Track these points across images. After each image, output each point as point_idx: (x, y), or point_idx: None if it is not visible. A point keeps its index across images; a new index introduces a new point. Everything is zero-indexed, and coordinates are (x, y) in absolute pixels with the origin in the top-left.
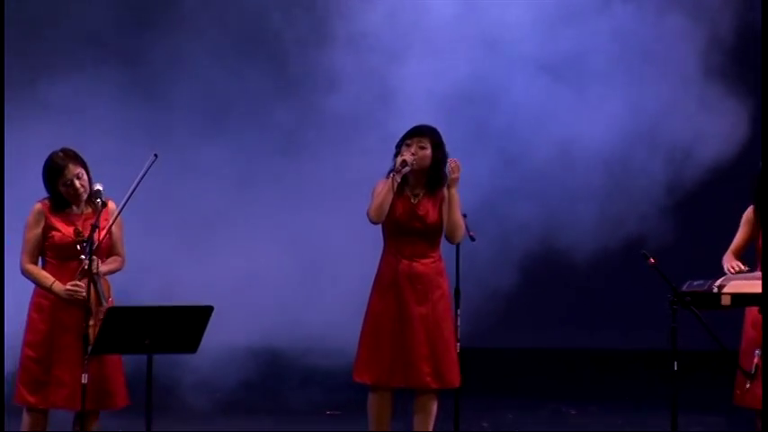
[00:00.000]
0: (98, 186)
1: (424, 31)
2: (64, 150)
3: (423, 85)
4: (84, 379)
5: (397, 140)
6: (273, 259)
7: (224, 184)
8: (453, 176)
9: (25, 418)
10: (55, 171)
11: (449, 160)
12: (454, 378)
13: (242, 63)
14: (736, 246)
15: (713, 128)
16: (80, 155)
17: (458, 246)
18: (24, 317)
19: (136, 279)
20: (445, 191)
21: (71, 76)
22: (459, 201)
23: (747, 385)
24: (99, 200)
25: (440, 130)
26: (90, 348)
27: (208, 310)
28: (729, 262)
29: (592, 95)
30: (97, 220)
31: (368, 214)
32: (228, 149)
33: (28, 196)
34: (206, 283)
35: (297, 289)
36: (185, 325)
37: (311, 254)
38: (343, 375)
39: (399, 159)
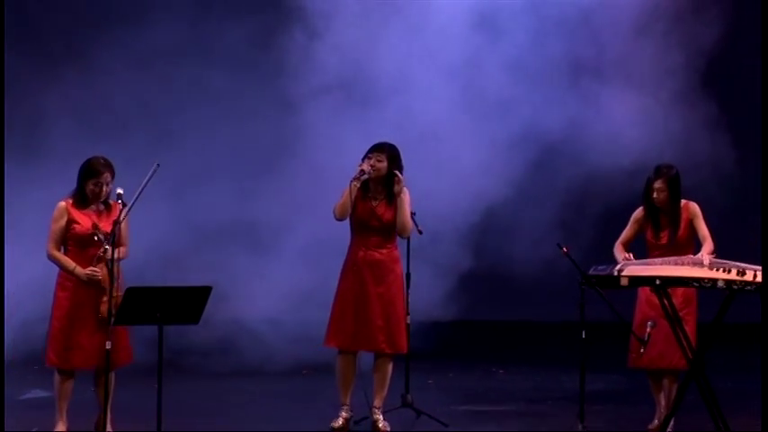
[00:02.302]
0: (119, 190)
1: None
2: (104, 158)
3: None
4: (108, 345)
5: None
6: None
7: None
8: (398, 188)
9: (56, 378)
10: (92, 171)
11: (395, 173)
12: (403, 345)
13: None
14: (625, 238)
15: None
16: (113, 166)
17: (409, 238)
18: (50, 295)
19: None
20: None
21: None
22: (407, 204)
23: (642, 350)
24: (121, 200)
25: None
26: (113, 320)
27: (207, 290)
28: (622, 253)
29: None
30: (119, 216)
31: (333, 212)
32: None
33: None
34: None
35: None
36: (189, 301)
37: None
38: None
39: (358, 169)
